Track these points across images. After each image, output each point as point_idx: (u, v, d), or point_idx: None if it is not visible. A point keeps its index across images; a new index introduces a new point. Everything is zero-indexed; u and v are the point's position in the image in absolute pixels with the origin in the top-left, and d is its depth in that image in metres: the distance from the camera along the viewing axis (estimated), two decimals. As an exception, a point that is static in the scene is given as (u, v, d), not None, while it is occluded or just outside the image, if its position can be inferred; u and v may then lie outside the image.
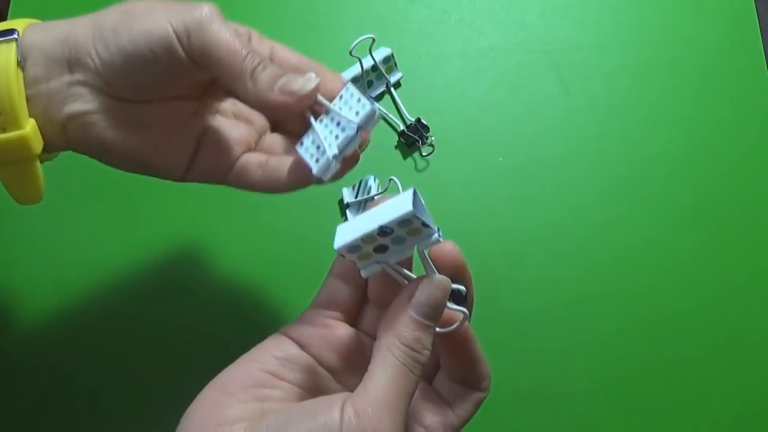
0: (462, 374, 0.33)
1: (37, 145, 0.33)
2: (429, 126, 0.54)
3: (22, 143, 0.32)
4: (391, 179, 0.51)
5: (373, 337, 0.30)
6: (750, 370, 0.50)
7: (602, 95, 0.57)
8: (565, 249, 0.52)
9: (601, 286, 0.52)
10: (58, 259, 0.52)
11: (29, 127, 0.32)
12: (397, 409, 0.27)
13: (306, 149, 0.35)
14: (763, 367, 0.50)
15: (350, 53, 0.50)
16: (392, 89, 0.56)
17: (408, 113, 0.55)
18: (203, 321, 0.50)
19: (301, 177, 0.35)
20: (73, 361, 0.49)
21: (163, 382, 0.49)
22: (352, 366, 0.32)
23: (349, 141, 0.33)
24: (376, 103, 0.35)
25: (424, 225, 0.28)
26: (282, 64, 0.36)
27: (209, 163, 0.37)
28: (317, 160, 0.34)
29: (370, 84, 0.55)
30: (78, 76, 0.33)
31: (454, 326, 0.31)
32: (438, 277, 0.29)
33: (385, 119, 0.56)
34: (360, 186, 0.52)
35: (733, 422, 0.49)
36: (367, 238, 0.28)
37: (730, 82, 0.57)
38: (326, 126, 0.34)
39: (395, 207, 0.28)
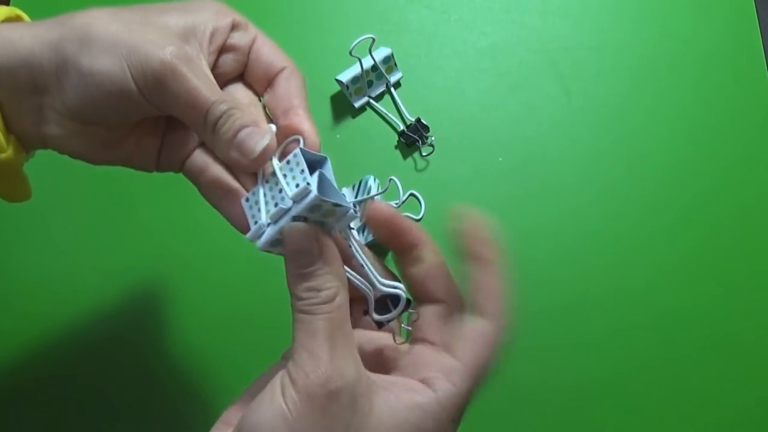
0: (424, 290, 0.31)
1: (20, 161, 0.32)
2: (429, 126, 0.54)
3: (5, 165, 0.32)
4: (391, 179, 0.51)
5: None
6: (749, 368, 0.50)
7: (602, 95, 0.57)
8: (565, 248, 0.52)
9: (600, 285, 0.52)
10: (47, 263, 0.52)
11: (11, 150, 0.31)
12: (333, 354, 0.26)
13: (250, 206, 0.31)
14: (763, 365, 0.50)
15: (350, 53, 0.50)
16: (392, 89, 0.56)
17: (408, 113, 0.55)
18: (196, 328, 0.50)
19: (241, 227, 0.33)
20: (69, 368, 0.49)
21: (158, 386, 0.49)
22: None
23: (285, 215, 0.29)
24: (315, 186, 0.28)
25: (336, 205, 0.28)
26: (255, 61, 0.34)
27: (169, 153, 0.35)
28: (255, 222, 0.30)
29: (370, 84, 0.55)
30: (47, 101, 0.31)
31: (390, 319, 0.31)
32: (291, 225, 0.29)
33: (385, 119, 0.56)
34: (360, 186, 0.52)
35: (733, 420, 0.49)
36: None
37: (730, 81, 0.57)
38: (270, 189, 0.30)
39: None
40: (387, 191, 0.51)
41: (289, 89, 0.34)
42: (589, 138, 0.55)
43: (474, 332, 0.30)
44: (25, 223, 0.52)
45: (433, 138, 0.55)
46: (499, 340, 0.29)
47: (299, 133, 0.32)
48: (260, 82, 0.35)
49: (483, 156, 0.55)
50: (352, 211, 0.29)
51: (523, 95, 0.57)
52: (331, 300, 0.28)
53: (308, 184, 0.28)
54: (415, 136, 0.54)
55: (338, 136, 0.55)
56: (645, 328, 0.51)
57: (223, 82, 0.35)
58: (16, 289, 0.51)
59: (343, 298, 0.28)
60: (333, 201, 0.27)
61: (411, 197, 0.53)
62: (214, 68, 0.33)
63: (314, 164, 0.30)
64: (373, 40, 0.50)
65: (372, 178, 0.52)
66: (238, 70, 0.35)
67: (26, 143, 0.33)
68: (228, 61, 0.34)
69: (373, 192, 0.51)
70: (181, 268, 0.51)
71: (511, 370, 0.49)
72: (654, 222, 0.53)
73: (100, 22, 0.30)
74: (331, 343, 0.27)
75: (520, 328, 0.50)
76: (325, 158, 0.31)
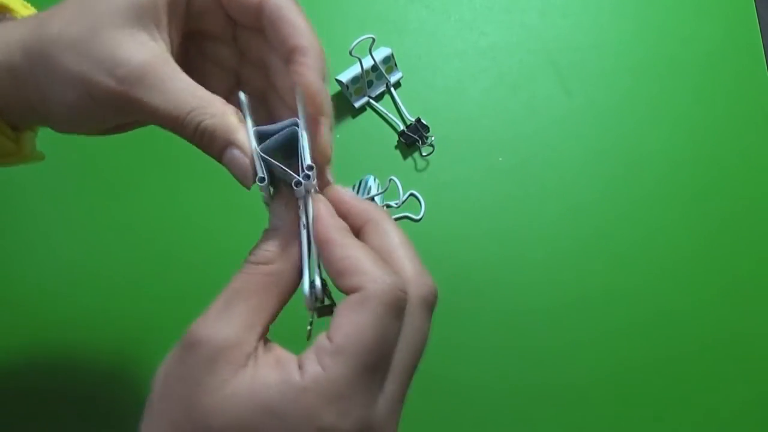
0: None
1: (32, 146, 0.34)
2: (429, 126, 0.54)
3: (23, 159, 0.33)
4: (391, 179, 0.51)
5: None
6: (749, 368, 0.50)
7: (602, 95, 0.57)
8: (565, 248, 0.52)
9: (600, 285, 0.52)
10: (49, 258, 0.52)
11: (22, 149, 0.33)
12: (219, 311, 0.26)
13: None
14: (763, 365, 0.50)
15: (350, 53, 0.50)
16: (392, 89, 0.56)
17: (408, 113, 0.55)
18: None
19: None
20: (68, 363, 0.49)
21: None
22: None
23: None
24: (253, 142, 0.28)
25: (281, 168, 0.27)
26: (268, 27, 0.31)
27: None
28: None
29: (370, 84, 0.55)
30: (30, 97, 0.31)
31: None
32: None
33: (385, 119, 0.56)
34: (360, 186, 0.52)
35: (733, 420, 0.49)
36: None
37: (730, 81, 0.57)
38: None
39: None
40: (387, 191, 0.52)
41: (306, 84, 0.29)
42: (588, 138, 0.55)
43: (345, 306, 0.25)
44: (24, 218, 0.53)
45: (433, 138, 0.55)
46: (382, 306, 0.24)
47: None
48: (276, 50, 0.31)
49: (483, 156, 0.55)
50: (299, 181, 0.27)
51: (523, 95, 0.57)
52: (258, 262, 0.27)
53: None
54: (415, 136, 0.54)
55: (338, 136, 0.55)
56: (645, 327, 0.51)
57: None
58: (19, 290, 0.51)
59: (274, 269, 0.27)
60: (272, 162, 0.27)
61: (411, 197, 0.54)
62: (192, 24, 0.31)
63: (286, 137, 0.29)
64: (373, 40, 0.50)
65: (372, 178, 0.52)
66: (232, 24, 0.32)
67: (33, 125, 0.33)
68: (214, 18, 0.31)
69: (373, 192, 0.51)
70: (183, 269, 0.51)
71: (510, 370, 0.49)
72: (654, 221, 0.53)
73: (56, 50, 0.29)
74: (226, 301, 0.26)
75: (520, 327, 0.51)
76: (290, 127, 0.29)
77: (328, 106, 0.29)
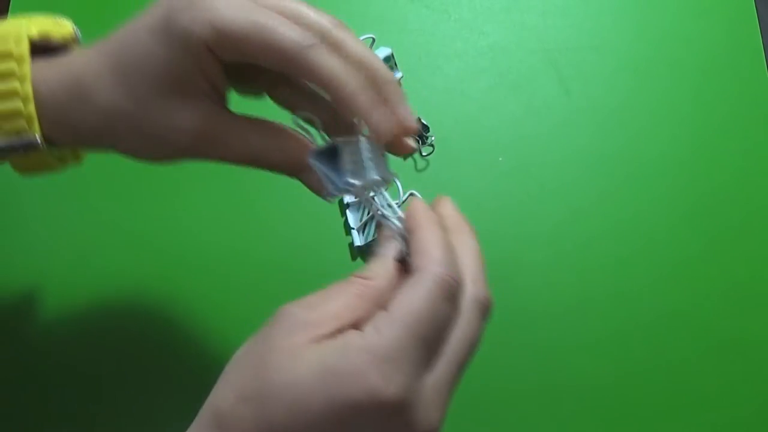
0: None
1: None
2: (429, 126, 0.54)
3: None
4: (391, 179, 0.51)
5: None
6: (751, 372, 0.50)
7: (602, 95, 0.57)
8: (565, 249, 0.52)
9: (601, 286, 0.52)
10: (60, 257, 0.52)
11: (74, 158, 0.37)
12: (314, 297, 0.28)
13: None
14: (764, 368, 0.50)
15: (350, 53, 0.50)
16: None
17: (408, 113, 0.55)
18: (201, 324, 0.50)
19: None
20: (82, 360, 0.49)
21: (168, 382, 0.49)
22: None
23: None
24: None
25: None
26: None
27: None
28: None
29: (370, 84, 0.55)
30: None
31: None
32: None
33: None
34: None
35: (733, 422, 0.49)
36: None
37: (730, 82, 0.57)
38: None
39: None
40: (387, 191, 0.51)
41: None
42: (589, 138, 0.55)
43: (405, 282, 0.28)
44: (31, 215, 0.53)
45: (433, 138, 0.55)
46: (435, 286, 0.27)
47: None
48: None
49: (483, 156, 0.55)
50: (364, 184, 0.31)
51: (523, 95, 0.57)
52: (362, 276, 0.29)
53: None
54: (415, 136, 0.54)
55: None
56: (646, 330, 0.51)
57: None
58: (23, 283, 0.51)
59: (374, 284, 0.28)
60: (319, 167, 0.30)
61: (411, 197, 0.53)
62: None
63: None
64: (373, 40, 0.50)
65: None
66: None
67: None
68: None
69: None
70: (186, 270, 0.52)
71: (511, 371, 0.49)
72: (654, 222, 0.53)
73: (113, 129, 0.32)
74: (323, 294, 0.28)
75: (520, 328, 0.50)
76: (336, 145, 0.31)
77: (397, 92, 0.31)
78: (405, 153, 0.33)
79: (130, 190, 0.53)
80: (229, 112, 0.32)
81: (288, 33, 0.29)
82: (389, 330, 0.25)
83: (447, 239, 0.30)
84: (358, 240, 0.50)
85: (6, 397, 0.49)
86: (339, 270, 0.51)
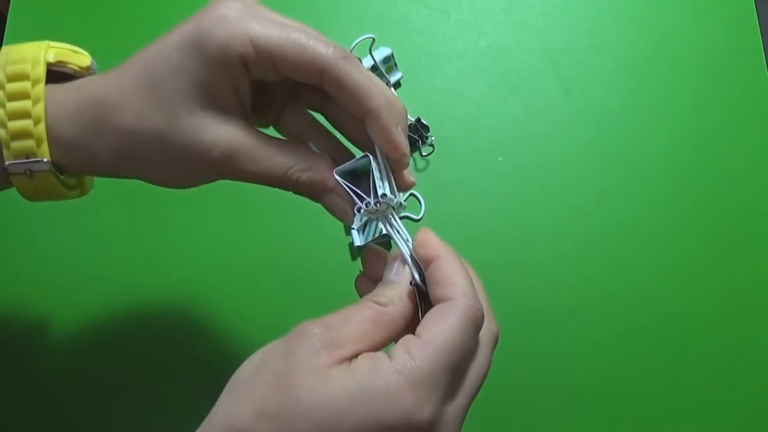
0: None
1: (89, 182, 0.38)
2: (429, 126, 0.54)
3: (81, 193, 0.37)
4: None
5: None
6: (751, 372, 0.50)
7: (602, 95, 0.57)
8: (565, 249, 0.52)
9: (601, 286, 0.52)
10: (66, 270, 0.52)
11: (79, 187, 0.36)
12: (331, 318, 0.29)
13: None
14: (764, 369, 0.50)
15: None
16: (392, 89, 0.56)
17: (408, 113, 0.55)
18: (206, 331, 0.50)
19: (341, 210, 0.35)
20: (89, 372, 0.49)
21: (172, 391, 0.49)
22: None
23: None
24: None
25: (359, 196, 0.32)
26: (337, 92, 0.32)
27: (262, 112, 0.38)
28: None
29: (370, 84, 0.55)
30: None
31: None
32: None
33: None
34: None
35: (733, 423, 0.49)
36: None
37: (730, 82, 0.57)
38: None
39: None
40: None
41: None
42: (589, 138, 0.55)
43: (435, 311, 0.29)
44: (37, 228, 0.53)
45: (433, 138, 0.55)
46: (466, 318, 0.28)
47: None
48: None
49: (483, 156, 0.55)
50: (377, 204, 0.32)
51: (523, 95, 0.56)
52: (376, 302, 0.30)
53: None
54: (415, 136, 0.54)
55: (339, 136, 0.55)
56: (646, 331, 0.51)
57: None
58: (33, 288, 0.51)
59: (388, 311, 0.29)
60: (346, 185, 0.31)
61: (411, 197, 0.53)
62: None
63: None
64: (373, 40, 0.50)
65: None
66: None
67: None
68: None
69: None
70: (191, 275, 0.51)
71: (511, 372, 0.49)
72: (654, 222, 0.53)
73: (139, 148, 0.31)
74: (343, 316, 0.28)
75: (520, 329, 0.50)
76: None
77: (406, 155, 0.33)
78: (405, 185, 0.35)
79: (136, 204, 0.53)
80: (257, 130, 0.33)
81: (321, 46, 0.30)
82: (425, 356, 0.26)
83: (467, 271, 0.30)
84: (358, 240, 0.50)
85: (8, 410, 0.49)
86: (339, 270, 0.51)
